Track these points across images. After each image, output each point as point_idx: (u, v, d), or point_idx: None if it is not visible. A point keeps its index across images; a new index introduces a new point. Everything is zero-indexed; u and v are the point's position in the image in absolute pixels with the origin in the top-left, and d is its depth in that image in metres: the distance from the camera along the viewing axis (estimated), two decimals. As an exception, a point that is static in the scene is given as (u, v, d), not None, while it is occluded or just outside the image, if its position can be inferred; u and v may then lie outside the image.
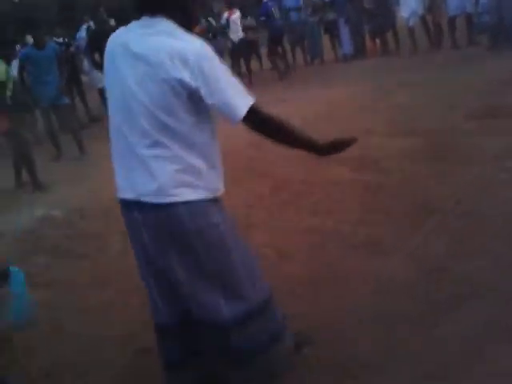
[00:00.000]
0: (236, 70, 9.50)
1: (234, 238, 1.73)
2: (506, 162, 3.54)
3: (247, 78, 9.77)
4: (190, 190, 1.59)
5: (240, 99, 1.56)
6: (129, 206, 1.64)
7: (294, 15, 10.18)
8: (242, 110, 1.55)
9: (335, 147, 1.82)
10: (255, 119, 1.60)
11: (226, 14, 9.22)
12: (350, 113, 5.78)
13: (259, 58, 10.79)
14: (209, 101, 1.52)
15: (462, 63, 7.00)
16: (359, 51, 9.83)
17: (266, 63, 10.84)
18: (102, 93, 8.74)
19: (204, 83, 1.48)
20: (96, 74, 8.67)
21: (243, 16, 9.97)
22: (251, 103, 1.57)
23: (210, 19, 9.51)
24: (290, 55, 10.70)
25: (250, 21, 10.17)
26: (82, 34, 8.78)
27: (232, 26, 9.22)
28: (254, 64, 11.14)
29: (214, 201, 1.69)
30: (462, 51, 8.06)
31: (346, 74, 8.32)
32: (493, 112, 4.62)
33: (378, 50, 9.72)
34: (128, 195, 1.63)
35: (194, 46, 1.51)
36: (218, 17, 9.56)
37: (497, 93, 5.15)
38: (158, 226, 1.60)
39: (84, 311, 2.77)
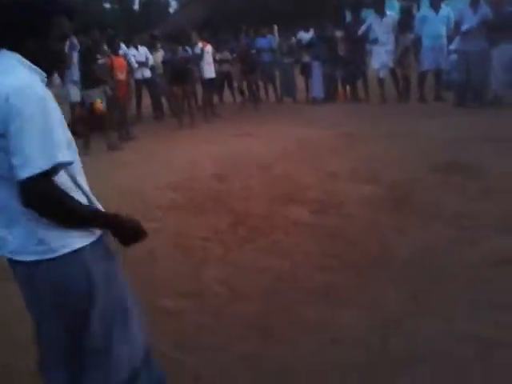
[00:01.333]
0: (208, 100, 9.54)
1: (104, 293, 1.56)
2: (464, 220, 3.59)
3: (217, 109, 9.85)
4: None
5: (42, 154, 1.33)
6: None
7: (265, 56, 10.48)
8: (36, 167, 1.32)
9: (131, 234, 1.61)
10: (43, 187, 1.35)
11: (200, 45, 9.33)
12: (315, 154, 5.83)
13: (232, 90, 10.88)
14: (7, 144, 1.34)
15: (428, 117, 7.21)
16: (330, 95, 10.04)
17: (238, 96, 10.99)
18: (72, 107, 8.62)
19: (9, 124, 1.33)
20: (72, 88, 8.55)
21: (217, 50, 10.18)
22: (57, 161, 1.35)
23: (188, 48, 9.58)
24: (262, 92, 10.87)
25: (225, 54, 10.40)
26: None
27: (206, 56, 9.34)
28: (226, 96, 11.23)
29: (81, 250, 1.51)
30: (428, 105, 8.33)
31: (316, 116, 8.45)
32: (456, 168, 4.73)
33: (347, 97, 9.96)
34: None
35: (16, 84, 1.36)
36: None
37: (461, 149, 5.29)
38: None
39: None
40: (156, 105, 10.24)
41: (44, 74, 1.50)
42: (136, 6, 36.08)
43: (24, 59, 1.45)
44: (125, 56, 8.55)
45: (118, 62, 7.91)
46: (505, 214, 3.62)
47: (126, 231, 1.58)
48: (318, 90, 10.12)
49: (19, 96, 1.34)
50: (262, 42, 10.56)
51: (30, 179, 1.31)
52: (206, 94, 9.57)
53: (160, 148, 7.13)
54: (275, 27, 13.92)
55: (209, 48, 9.56)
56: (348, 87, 9.99)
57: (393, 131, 6.52)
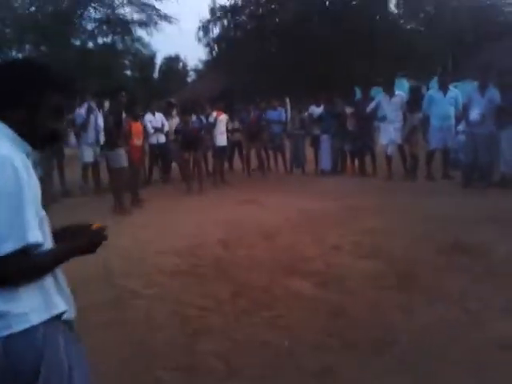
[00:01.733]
0: (219, 167, 9.74)
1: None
2: (469, 303, 3.52)
3: (227, 177, 10.02)
4: None
5: (11, 233, 1.30)
6: None
7: (275, 127, 10.80)
8: (4, 248, 1.29)
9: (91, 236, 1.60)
10: (14, 265, 1.32)
11: (214, 114, 9.68)
12: (319, 226, 5.84)
13: (242, 158, 11.11)
14: None
15: (434, 195, 7.26)
16: (338, 168, 10.21)
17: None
18: (85, 168, 8.84)
19: None
20: (86, 149, 8.82)
21: (231, 120, 10.51)
22: (26, 242, 1.32)
23: (202, 117, 9.92)
24: (272, 162, 11.11)
25: (236, 124, 10.74)
26: (82, 111, 9.02)
27: (219, 125, 9.66)
28: (237, 164, 11.45)
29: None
30: (435, 183, 8.40)
31: (323, 187, 8.55)
32: (461, 247, 4.70)
33: (355, 171, 10.11)
34: None
35: None
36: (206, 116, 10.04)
37: (467, 229, 5.27)
38: None
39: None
40: (166, 169, 10.44)
41: (28, 148, 1.46)
42: (156, 74, 37.71)
43: (9, 130, 1.42)
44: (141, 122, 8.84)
45: (136, 127, 8.14)
46: (510, 297, 3.56)
47: (87, 247, 1.57)
48: (326, 162, 10.30)
49: None
50: (272, 115, 10.90)
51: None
52: (217, 161, 9.79)
53: (167, 212, 7.19)
54: (287, 100, 14.42)
55: (223, 117, 9.88)
56: (356, 161, 10.17)
57: (399, 207, 6.55)
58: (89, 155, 8.98)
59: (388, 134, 9.20)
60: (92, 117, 8.96)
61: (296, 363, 2.86)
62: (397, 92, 9.47)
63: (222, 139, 9.72)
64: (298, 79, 20.31)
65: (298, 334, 3.21)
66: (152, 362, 2.90)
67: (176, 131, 9.66)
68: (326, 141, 10.22)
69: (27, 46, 21.29)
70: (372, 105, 9.48)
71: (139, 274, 4.49)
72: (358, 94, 11.40)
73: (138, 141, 8.08)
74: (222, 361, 2.91)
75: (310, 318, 3.43)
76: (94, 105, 9.10)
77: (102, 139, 8.47)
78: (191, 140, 8.95)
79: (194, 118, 9.50)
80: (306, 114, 11.14)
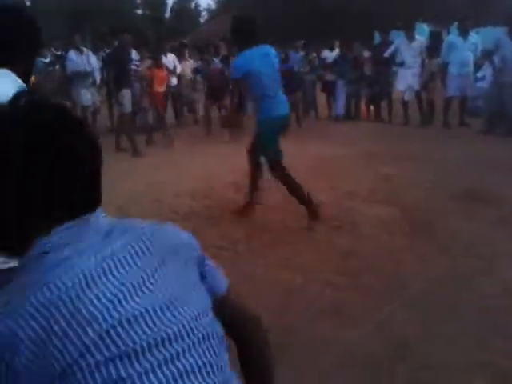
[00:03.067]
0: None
1: None
2: (481, 249, 3.55)
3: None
4: None
5: None
6: None
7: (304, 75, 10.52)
8: None
9: None
10: None
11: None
12: (335, 173, 5.82)
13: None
14: None
15: (451, 142, 7.17)
16: (352, 114, 10.07)
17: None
18: (84, 110, 8.69)
19: None
20: (84, 92, 8.67)
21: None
22: None
23: (215, 59, 9.74)
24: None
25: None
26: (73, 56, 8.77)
27: None
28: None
29: None
30: (452, 131, 8.28)
31: (338, 134, 8.45)
32: (475, 195, 4.69)
33: (370, 116, 9.97)
34: None
35: None
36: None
37: (482, 176, 5.24)
38: None
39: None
40: (178, 112, 10.34)
41: None
42: (167, 14, 36.67)
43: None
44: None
45: (160, 75, 8.05)
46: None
47: None
48: (340, 108, 10.14)
49: None
50: (295, 58, 10.49)
51: None
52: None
53: (182, 156, 7.19)
54: (302, 43, 14.02)
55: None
56: (372, 107, 10.00)
57: (414, 154, 6.49)
58: (88, 99, 8.75)
59: (406, 80, 8.99)
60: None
61: (307, 300, 2.94)
62: (416, 37, 9.16)
63: None
64: (313, 21, 19.67)
65: (310, 272, 3.28)
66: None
67: (197, 70, 9.48)
68: (340, 86, 10.01)
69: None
70: (391, 49, 9.20)
71: (152, 216, 4.56)
72: (377, 38, 11.01)
73: (160, 88, 8.02)
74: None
75: (322, 259, 3.50)
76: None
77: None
78: (216, 86, 8.64)
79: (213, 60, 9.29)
80: (315, 55, 10.81)
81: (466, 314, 2.73)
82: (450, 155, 6.31)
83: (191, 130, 9.51)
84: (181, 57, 10.21)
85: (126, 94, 7.35)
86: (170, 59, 9.76)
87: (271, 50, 4.24)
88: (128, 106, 7.38)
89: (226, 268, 3.54)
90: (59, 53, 10.12)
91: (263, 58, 4.06)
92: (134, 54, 9.02)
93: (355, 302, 2.88)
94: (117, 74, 7.35)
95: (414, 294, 2.97)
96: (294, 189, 4.11)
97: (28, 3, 21.63)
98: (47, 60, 9.96)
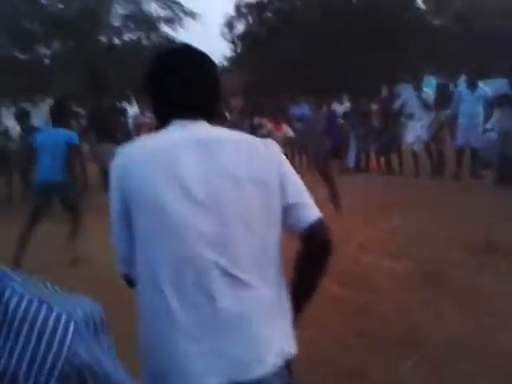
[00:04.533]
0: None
1: None
2: (499, 303, 3.44)
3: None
4: None
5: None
6: None
7: (298, 125, 10.70)
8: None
9: None
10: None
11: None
12: (347, 225, 5.76)
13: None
14: None
15: (463, 193, 7.11)
16: (362, 166, 10.12)
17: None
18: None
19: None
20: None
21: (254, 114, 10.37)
22: None
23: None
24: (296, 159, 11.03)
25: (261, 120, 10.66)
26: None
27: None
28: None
29: None
30: (464, 182, 8.23)
31: (348, 185, 8.43)
32: (491, 247, 4.59)
33: (381, 168, 10.00)
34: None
35: None
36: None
37: (496, 227, 5.15)
38: None
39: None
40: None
41: None
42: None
43: None
44: None
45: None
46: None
47: None
48: (351, 159, 10.19)
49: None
50: (295, 110, 10.76)
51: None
52: None
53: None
54: (311, 98, 14.32)
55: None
56: (382, 159, 10.05)
57: (426, 205, 6.44)
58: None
59: (415, 132, 9.07)
60: None
61: (322, 362, 2.82)
62: (424, 89, 9.32)
63: None
64: (323, 76, 20.15)
65: (324, 333, 3.17)
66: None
67: None
68: (351, 138, 10.11)
69: (55, 43, 21.64)
70: (399, 101, 9.35)
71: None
72: (385, 91, 11.23)
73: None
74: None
75: (336, 318, 3.40)
76: None
77: None
78: None
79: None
80: (326, 109, 11.02)
81: (486, 370, 2.61)
82: (462, 206, 6.24)
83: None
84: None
85: (106, 148, 7.69)
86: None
87: None
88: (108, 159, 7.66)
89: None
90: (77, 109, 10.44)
91: None
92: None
93: (370, 364, 2.77)
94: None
95: (433, 352, 2.86)
96: None
97: (46, 61, 22.49)
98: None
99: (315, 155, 9.11)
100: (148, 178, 1.18)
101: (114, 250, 1.30)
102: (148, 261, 1.19)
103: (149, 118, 9.42)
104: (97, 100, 9.07)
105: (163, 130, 1.29)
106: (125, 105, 10.00)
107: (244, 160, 1.23)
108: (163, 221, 1.17)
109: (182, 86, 1.29)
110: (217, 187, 1.19)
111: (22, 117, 8.28)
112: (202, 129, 1.28)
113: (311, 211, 1.31)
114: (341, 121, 9.68)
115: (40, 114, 8.65)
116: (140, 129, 9.25)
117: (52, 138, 5.10)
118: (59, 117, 5.25)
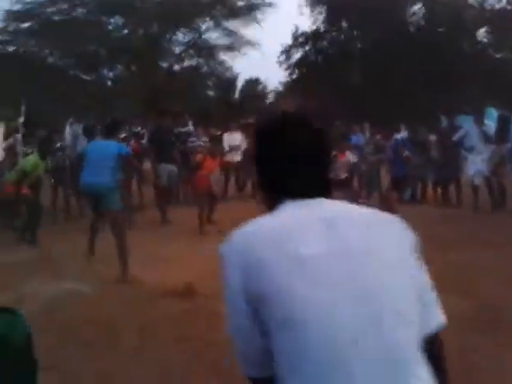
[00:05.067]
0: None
1: None
2: None
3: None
4: None
5: None
6: None
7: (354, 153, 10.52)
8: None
9: None
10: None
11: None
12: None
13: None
14: None
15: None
16: (419, 197, 9.81)
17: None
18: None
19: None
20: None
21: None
22: None
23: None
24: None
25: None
26: None
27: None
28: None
29: None
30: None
31: (403, 216, 8.13)
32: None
33: (437, 200, 9.65)
34: None
35: None
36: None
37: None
38: None
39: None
40: (240, 185, 10.58)
41: None
42: (236, 95, 38.71)
43: None
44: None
45: (211, 164, 7.74)
46: None
47: None
48: (407, 190, 9.91)
49: None
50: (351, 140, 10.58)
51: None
52: None
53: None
54: (366, 125, 14.14)
55: (346, 160, 9.49)
56: (439, 190, 9.71)
57: (485, 240, 6.10)
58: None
59: (475, 165, 8.72)
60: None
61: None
62: (486, 122, 8.98)
63: None
64: (379, 105, 19.94)
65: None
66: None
67: None
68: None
69: (118, 66, 22.65)
70: (460, 133, 9.03)
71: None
72: (444, 122, 10.92)
73: (206, 174, 7.65)
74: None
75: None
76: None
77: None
78: None
79: None
80: (379, 137, 10.80)
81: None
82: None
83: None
84: (247, 135, 10.56)
85: (164, 169, 8.12)
86: (236, 137, 10.12)
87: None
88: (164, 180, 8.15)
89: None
90: (137, 130, 10.80)
91: None
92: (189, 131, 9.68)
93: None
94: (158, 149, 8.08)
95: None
96: None
97: (109, 82, 23.54)
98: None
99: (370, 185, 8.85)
100: (275, 269, 1.03)
101: (235, 350, 1.12)
102: (289, 355, 1.02)
103: (203, 142, 9.62)
104: (157, 122, 9.34)
105: (279, 210, 1.16)
106: (183, 129, 10.22)
107: (376, 239, 1.11)
108: (300, 316, 1.00)
109: (292, 161, 1.18)
110: (354, 271, 1.04)
111: (90, 133, 8.66)
112: (323, 206, 1.15)
113: (440, 313, 1.15)
114: (406, 152, 9.48)
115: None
116: (195, 153, 9.37)
117: (101, 148, 5.32)
118: (111, 130, 5.45)
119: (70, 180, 8.45)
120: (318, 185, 1.19)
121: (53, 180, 8.65)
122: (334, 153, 8.95)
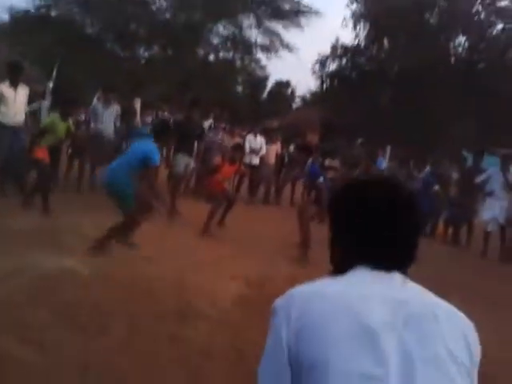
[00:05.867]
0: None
1: None
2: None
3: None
4: None
5: None
6: None
7: None
8: None
9: None
10: None
11: None
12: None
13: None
14: None
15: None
16: (429, 231, 9.70)
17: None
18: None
19: None
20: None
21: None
22: None
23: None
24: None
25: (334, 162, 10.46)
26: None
27: None
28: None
29: None
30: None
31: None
32: None
33: (447, 237, 9.53)
34: None
35: None
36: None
37: None
38: None
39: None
40: (253, 189, 10.53)
41: None
42: (264, 95, 38.73)
43: None
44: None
45: (228, 169, 7.70)
46: None
47: None
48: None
49: None
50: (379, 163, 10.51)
51: None
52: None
53: (247, 231, 7.13)
54: (388, 149, 14.05)
55: None
56: (450, 229, 9.59)
57: (489, 291, 6.00)
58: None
59: (492, 211, 8.59)
60: None
61: None
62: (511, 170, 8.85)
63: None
64: (407, 130, 19.75)
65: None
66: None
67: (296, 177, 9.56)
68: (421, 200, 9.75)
69: (155, 47, 22.72)
70: (483, 176, 8.88)
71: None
72: (469, 160, 10.73)
73: (221, 178, 7.58)
74: None
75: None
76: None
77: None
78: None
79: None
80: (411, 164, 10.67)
81: None
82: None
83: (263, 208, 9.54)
84: (269, 141, 10.54)
85: (182, 159, 8.09)
86: (258, 141, 10.09)
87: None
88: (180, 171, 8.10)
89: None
90: (164, 115, 10.82)
91: None
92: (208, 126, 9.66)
93: None
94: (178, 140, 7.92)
95: None
96: None
97: (143, 62, 23.62)
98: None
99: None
100: (331, 340, 0.97)
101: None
102: None
103: (220, 139, 9.61)
104: (186, 111, 9.23)
105: (346, 277, 1.10)
106: (205, 121, 10.16)
107: (447, 334, 1.04)
108: None
109: (380, 228, 1.12)
110: (415, 368, 0.97)
111: (125, 116, 8.67)
112: (394, 284, 1.09)
113: None
114: (437, 187, 9.37)
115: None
116: (210, 147, 9.37)
117: (135, 148, 5.18)
118: (160, 134, 5.33)
119: (88, 155, 8.50)
120: (401, 260, 1.15)
121: (70, 151, 8.66)
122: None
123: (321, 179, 7.03)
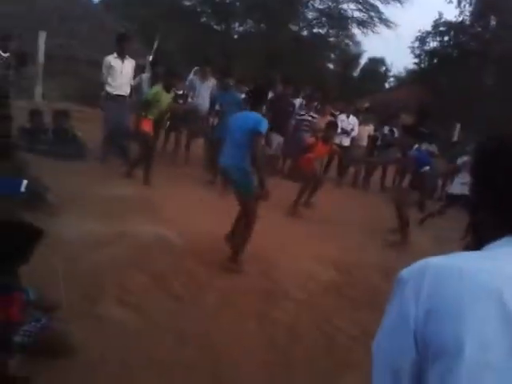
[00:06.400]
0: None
1: None
2: None
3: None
4: None
5: None
6: None
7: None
8: None
9: None
10: None
11: None
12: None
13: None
14: None
15: None
16: None
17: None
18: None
19: None
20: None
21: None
22: None
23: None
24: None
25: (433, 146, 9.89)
26: None
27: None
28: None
29: None
30: None
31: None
32: None
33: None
34: None
35: None
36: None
37: None
38: None
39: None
40: (341, 172, 10.31)
41: None
42: (357, 73, 37.54)
43: None
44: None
45: (322, 148, 7.47)
46: None
47: None
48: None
49: None
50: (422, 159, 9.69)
51: None
52: None
53: (336, 213, 7.04)
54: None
55: None
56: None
57: None
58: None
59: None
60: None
61: None
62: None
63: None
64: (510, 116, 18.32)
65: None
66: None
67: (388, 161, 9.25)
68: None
69: (249, 21, 22.74)
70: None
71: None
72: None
73: (314, 158, 7.45)
74: None
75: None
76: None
77: None
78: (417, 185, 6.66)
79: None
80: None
81: None
82: None
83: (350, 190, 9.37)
84: (362, 121, 10.23)
85: (275, 138, 8.30)
86: (351, 122, 9.84)
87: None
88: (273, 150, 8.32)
89: (357, 369, 3.22)
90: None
91: None
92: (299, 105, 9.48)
93: None
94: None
95: None
96: None
97: (236, 36, 23.74)
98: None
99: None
100: (468, 326, 0.83)
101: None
102: None
103: (311, 117, 9.41)
104: (278, 88, 9.15)
105: (490, 252, 0.95)
106: (298, 99, 10.03)
107: None
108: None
109: None
110: None
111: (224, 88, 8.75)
112: None
113: None
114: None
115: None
116: (299, 126, 9.28)
117: (238, 121, 4.62)
118: (256, 100, 4.79)
119: (185, 128, 8.74)
120: None
121: (168, 124, 8.92)
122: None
123: (426, 168, 6.51)
